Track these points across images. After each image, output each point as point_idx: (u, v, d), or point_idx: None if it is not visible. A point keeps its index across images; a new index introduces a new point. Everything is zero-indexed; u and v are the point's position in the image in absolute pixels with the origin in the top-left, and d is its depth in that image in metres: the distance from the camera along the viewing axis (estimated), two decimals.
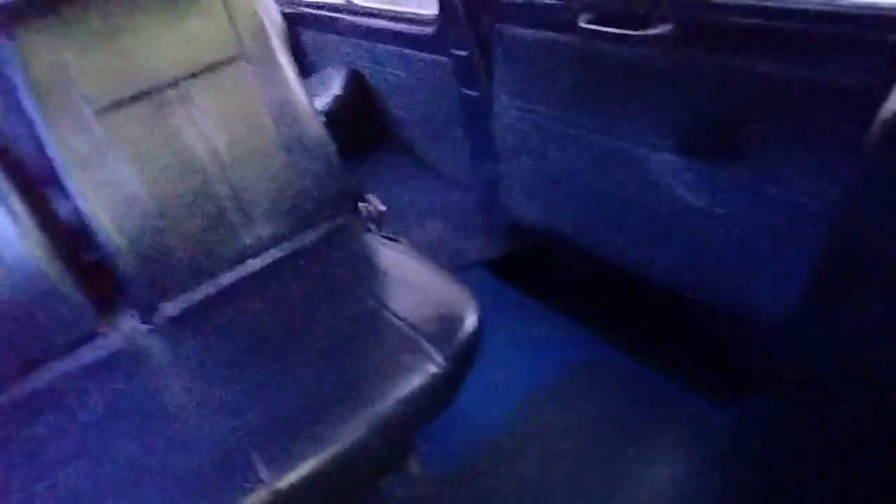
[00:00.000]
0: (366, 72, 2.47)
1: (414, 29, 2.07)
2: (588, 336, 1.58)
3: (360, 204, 1.51)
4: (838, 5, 0.97)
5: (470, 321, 1.12)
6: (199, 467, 0.96)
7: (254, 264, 1.42)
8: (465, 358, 1.10)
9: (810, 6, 1.00)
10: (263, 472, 0.92)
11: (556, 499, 1.23)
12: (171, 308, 1.34)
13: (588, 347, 1.55)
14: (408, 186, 2.32)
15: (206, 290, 1.37)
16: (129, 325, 1.33)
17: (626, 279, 1.50)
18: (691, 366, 1.40)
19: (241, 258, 1.41)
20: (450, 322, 1.12)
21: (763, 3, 1.05)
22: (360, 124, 2.49)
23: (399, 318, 1.14)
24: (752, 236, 1.20)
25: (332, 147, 1.48)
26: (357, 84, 2.49)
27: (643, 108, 1.31)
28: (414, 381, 1.04)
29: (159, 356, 1.26)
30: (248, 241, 1.40)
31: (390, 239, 1.41)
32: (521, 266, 1.87)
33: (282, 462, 0.94)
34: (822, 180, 1.05)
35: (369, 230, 1.48)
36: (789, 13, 1.02)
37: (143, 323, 1.33)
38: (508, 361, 1.54)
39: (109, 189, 1.27)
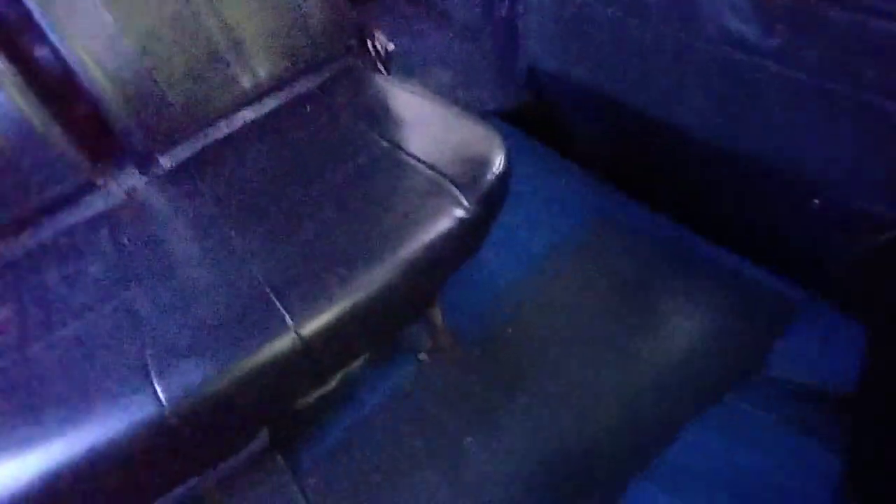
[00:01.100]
0: None
1: None
2: (614, 191, 1.50)
3: (367, 43, 1.36)
4: None
5: (497, 162, 1.03)
6: (221, 315, 0.91)
7: (255, 111, 1.30)
8: (493, 201, 1.03)
9: None
10: (288, 319, 0.88)
11: (576, 352, 1.21)
12: (169, 159, 1.24)
13: (614, 202, 1.48)
14: (412, 32, 2.11)
15: (205, 138, 1.26)
16: (127, 177, 1.24)
17: (659, 131, 1.39)
18: (728, 225, 1.33)
19: (241, 103, 1.29)
20: (476, 163, 1.03)
21: None
22: None
23: (420, 160, 1.05)
24: (815, 92, 1.05)
25: None
26: None
27: None
28: (440, 226, 0.97)
29: (162, 208, 1.18)
30: (246, 83, 1.27)
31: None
32: (543, 117, 1.74)
33: (306, 308, 0.89)
34: None
35: (378, 71, 1.34)
36: None
37: (142, 174, 1.24)
38: (530, 215, 1.47)
39: (85, 24, 1.13)
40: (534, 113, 1.76)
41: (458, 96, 1.84)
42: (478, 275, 1.35)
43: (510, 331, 1.26)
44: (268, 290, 0.92)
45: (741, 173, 1.27)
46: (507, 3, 1.68)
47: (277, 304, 0.91)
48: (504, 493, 1.05)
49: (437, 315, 1.18)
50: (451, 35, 2.05)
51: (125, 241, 1.10)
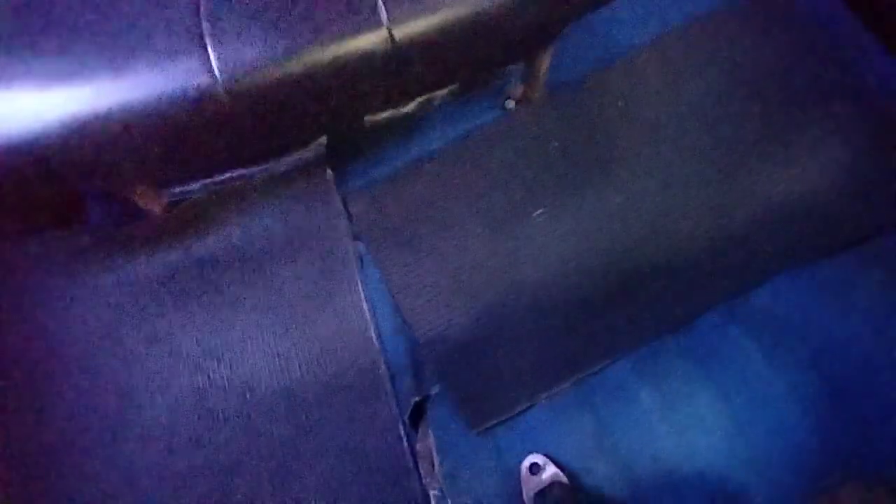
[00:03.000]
0: None
1: None
2: None
3: None
4: None
5: None
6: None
7: None
8: None
9: None
10: (383, 12, 0.69)
11: (680, 149, 1.01)
12: None
13: None
14: None
15: None
16: None
17: None
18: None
19: None
20: None
21: None
22: None
23: None
24: None
25: None
26: None
27: None
28: None
29: None
30: None
31: None
32: None
33: (407, 5, 0.69)
34: None
35: None
36: None
37: None
38: None
39: None
40: None
41: None
42: (599, 27, 1.09)
43: (620, 104, 1.04)
44: None
45: None
46: None
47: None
48: (558, 269, 0.95)
49: (543, 61, 0.96)
50: None
51: None
